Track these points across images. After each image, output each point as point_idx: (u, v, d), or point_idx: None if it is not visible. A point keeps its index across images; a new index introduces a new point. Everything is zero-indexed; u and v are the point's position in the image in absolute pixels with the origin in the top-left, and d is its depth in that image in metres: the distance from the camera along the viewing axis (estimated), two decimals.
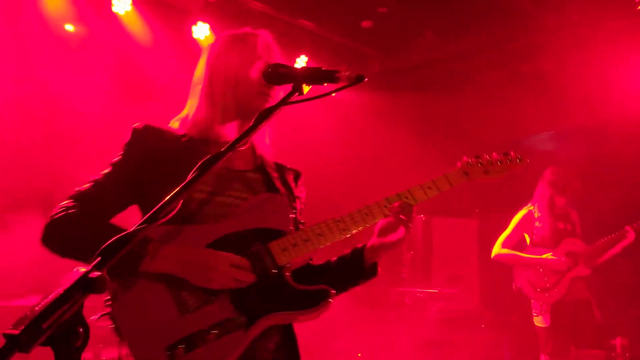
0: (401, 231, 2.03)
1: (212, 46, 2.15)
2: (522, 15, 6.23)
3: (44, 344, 1.02)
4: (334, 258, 2.19)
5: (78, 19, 5.83)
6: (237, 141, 1.50)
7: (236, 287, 1.84)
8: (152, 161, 1.96)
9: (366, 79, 1.71)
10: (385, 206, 2.06)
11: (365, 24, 6.94)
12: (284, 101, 1.67)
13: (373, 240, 2.10)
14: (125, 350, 1.78)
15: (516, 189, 6.80)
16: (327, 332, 5.93)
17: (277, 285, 1.91)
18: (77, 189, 1.96)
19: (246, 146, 2.09)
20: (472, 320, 6.49)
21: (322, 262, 2.19)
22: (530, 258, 5.20)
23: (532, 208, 5.38)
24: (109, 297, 1.82)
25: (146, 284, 1.80)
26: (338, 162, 7.34)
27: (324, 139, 7.42)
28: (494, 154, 2.26)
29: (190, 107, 2.13)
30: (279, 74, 1.87)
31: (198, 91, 2.11)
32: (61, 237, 1.86)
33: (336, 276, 2.12)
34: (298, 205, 2.19)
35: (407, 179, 7.72)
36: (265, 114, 1.60)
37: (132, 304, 1.80)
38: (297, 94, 1.72)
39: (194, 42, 6.60)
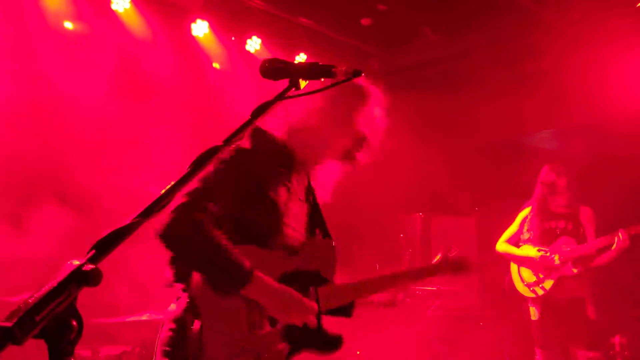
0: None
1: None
2: (522, 13, 6.23)
3: (37, 337, 1.01)
4: None
5: (77, 17, 5.82)
6: (233, 135, 1.49)
7: (299, 324, 2.16)
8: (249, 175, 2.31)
9: (363, 74, 1.70)
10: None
11: (365, 21, 6.94)
12: (281, 96, 1.66)
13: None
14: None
15: (515, 187, 6.81)
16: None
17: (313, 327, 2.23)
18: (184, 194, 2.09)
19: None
20: (471, 318, 6.49)
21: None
22: (520, 254, 5.28)
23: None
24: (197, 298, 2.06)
25: (234, 301, 2.08)
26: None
27: None
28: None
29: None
30: (276, 68, 1.85)
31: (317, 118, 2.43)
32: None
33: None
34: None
35: (407, 177, 7.79)
36: (261, 109, 1.59)
37: (218, 312, 2.06)
38: (293, 89, 1.71)
39: (193, 40, 6.60)
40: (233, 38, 6.89)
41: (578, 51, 6.42)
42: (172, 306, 2.18)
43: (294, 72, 1.75)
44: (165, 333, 2.14)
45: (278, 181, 2.27)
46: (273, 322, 2.16)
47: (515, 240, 5.44)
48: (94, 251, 1.11)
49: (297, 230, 2.33)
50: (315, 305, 2.17)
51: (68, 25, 5.81)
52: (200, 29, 6.51)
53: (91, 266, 1.06)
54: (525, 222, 5.41)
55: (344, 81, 1.71)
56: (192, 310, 2.03)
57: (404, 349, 5.92)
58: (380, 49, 7.51)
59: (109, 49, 5.89)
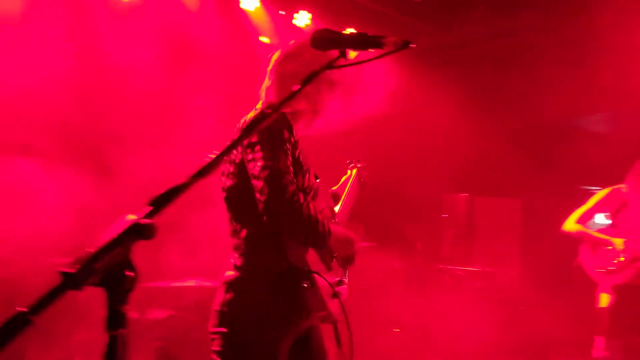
0: None
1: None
2: None
3: (95, 285, 1.08)
4: None
5: None
6: (282, 103, 1.53)
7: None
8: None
9: (413, 45, 1.70)
10: None
11: None
12: (329, 65, 1.68)
13: None
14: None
15: (563, 170, 6.67)
16: (365, 305, 5.98)
17: None
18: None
19: None
20: (512, 301, 6.43)
21: None
22: (603, 238, 4.98)
23: (622, 188, 5.07)
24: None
25: (319, 250, 2.50)
26: (387, 140, 7.31)
27: (370, 116, 7.39)
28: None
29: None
30: (326, 38, 1.86)
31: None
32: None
33: None
34: None
35: (452, 157, 7.70)
36: (310, 77, 1.61)
37: (313, 262, 2.46)
38: (342, 59, 1.72)
39: (242, 13, 6.65)
40: (282, 12, 6.90)
41: (633, 31, 6.17)
42: (229, 272, 2.40)
43: (344, 43, 1.76)
44: (224, 296, 2.37)
45: (296, 144, 2.46)
46: (332, 257, 2.61)
47: (585, 221, 5.14)
48: (150, 206, 1.17)
49: (313, 179, 2.58)
50: (355, 236, 2.64)
51: None
52: (250, 2, 6.55)
53: (147, 220, 1.11)
54: (601, 204, 5.10)
55: (393, 52, 1.70)
56: (294, 272, 2.37)
57: (442, 329, 5.93)
58: (431, 25, 7.39)
59: (160, 19, 5.99)
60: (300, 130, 2.52)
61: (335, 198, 2.88)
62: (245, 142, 2.27)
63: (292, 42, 2.64)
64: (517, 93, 7.23)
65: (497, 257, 6.69)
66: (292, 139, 2.36)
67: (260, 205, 2.24)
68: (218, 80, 6.11)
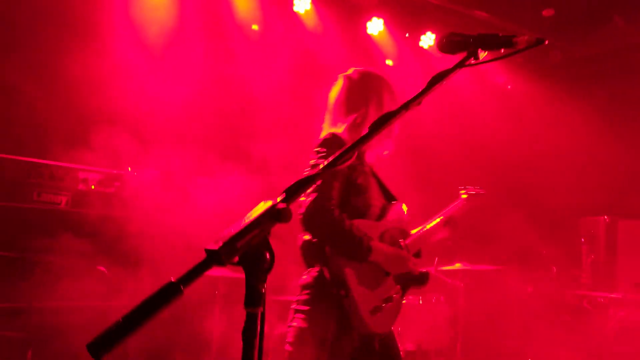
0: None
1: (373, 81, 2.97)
2: None
3: (237, 263, 1.15)
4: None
5: (263, 19, 6.29)
6: (412, 100, 1.54)
7: (406, 272, 2.84)
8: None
9: (547, 42, 1.65)
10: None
11: (547, 12, 6.60)
12: (460, 64, 1.67)
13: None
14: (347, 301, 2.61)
15: None
16: (499, 331, 5.74)
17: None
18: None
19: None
20: None
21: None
22: None
23: None
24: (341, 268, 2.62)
25: (366, 265, 2.68)
26: (518, 156, 7.07)
27: (503, 133, 7.18)
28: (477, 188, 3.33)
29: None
30: (454, 42, 1.86)
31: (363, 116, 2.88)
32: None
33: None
34: None
35: (591, 176, 7.26)
36: (440, 77, 1.61)
37: (357, 274, 2.65)
38: (472, 58, 1.70)
39: (368, 38, 6.78)
40: (407, 34, 6.95)
41: None
42: (304, 276, 2.71)
43: (473, 43, 1.75)
44: (302, 297, 2.66)
45: (358, 169, 2.79)
46: (387, 274, 2.77)
47: None
48: (284, 194, 1.23)
49: (378, 201, 2.85)
50: (408, 255, 2.81)
51: (255, 27, 6.29)
52: (375, 26, 6.67)
53: (283, 205, 1.17)
54: None
55: (525, 49, 1.67)
56: (333, 279, 2.59)
57: None
58: (562, 40, 7.09)
59: (290, 47, 6.28)
60: (374, 155, 2.92)
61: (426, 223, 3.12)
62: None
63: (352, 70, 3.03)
64: None
65: None
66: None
67: (299, 216, 2.57)
68: None
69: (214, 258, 1.09)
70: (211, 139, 5.45)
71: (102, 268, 4.05)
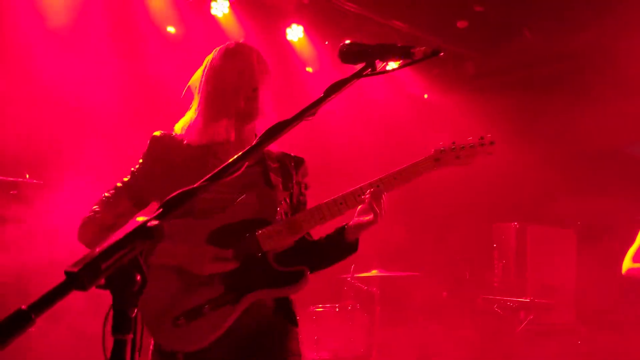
0: (371, 216, 2.29)
1: (213, 61, 2.49)
2: (627, 14, 5.85)
3: (102, 286, 1.05)
4: (323, 236, 2.48)
5: (179, 21, 6.13)
6: (306, 110, 1.49)
7: (220, 271, 2.24)
8: (163, 167, 2.38)
9: (442, 54, 1.65)
10: (359, 195, 2.31)
11: (461, 24, 6.79)
12: (357, 75, 1.64)
13: (353, 220, 2.37)
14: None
15: (620, 200, 6.38)
16: (415, 337, 5.82)
17: (261, 267, 2.29)
18: (104, 193, 2.39)
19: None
20: (566, 335, 6.13)
21: (314, 239, 2.50)
22: None
23: None
24: None
25: (156, 271, 2.24)
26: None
27: (418, 143, 7.31)
28: (470, 138, 2.43)
29: (191, 115, 2.46)
30: (354, 52, 1.84)
31: (199, 100, 2.45)
32: (90, 236, 2.34)
33: (324, 252, 2.46)
34: (297, 190, 2.54)
35: (501, 184, 7.51)
36: (336, 87, 1.58)
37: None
38: (369, 69, 1.68)
39: (288, 44, 6.75)
40: (327, 42, 6.97)
41: None
42: None
43: (372, 54, 1.73)
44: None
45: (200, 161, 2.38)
46: (206, 278, 2.26)
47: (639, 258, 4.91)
48: (161, 209, 1.15)
49: (225, 192, 2.35)
50: (227, 251, 2.26)
51: (170, 29, 6.12)
52: (295, 33, 6.65)
53: (155, 222, 1.09)
54: None
55: (421, 60, 1.66)
56: None
57: None
58: (476, 52, 7.32)
59: (206, 50, 6.14)
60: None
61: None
62: None
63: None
64: (569, 119, 7.02)
65: (551, 288, 6.40)
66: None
67: None
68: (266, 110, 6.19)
69: (74, 281, 1.00)
70: (124, 145, 5.24)
71: None
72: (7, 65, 4.98)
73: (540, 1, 6.10)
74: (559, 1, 6.02)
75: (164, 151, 2.41)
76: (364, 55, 1.77)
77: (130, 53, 5.76)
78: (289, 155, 2.59)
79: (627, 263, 4.87)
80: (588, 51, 6.52)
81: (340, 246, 2.42)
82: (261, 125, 2.46)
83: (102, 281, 1.05)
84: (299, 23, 6.63)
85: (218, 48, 2.54)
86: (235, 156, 1.34)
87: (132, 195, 2.37)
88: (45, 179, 4.23)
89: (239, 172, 1.37)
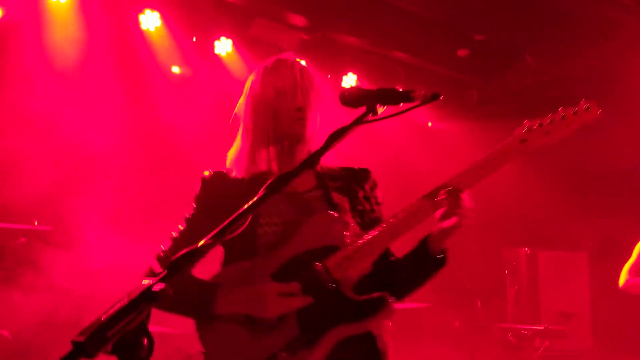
0: (454, 219, 1.98)
1: (250, 80, 2.29)
2: (630, 37, 5.88)
3: (109, 353, 1.05)
4: (401, 255, 2.17)
5: (184, 61, 6.22)
6: (307, 162, 1.50)
7: (290, 310, 1.99)
8: (220, 208, 1.95)
9: (441, 97, 1.66)
10: (434, 197, 2.00)
11: (462, 52, 6.84)
12: (358, 121, 1.65)
13: (435, 227, 2.05)
14: None
15: (631, 219, 6.33)
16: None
17: (336, 299, 2.00)
18: (161, 248, 2.15)
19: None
20: None
21: (396, 258, 2.20)
22: None
23: None
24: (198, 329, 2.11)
25: (222, 323, 2.04)
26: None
27: (424, 171, 7.31)
28: (559, 110, 2.10)
29: (236, 143, 2.28)
30: (355, 97, 1.85)
31: (241, 127, 2.27)
32: None
33: (407, 271, 2.15)
34: (367, 207, 2.25)
35: (512, 209, 7.45)
36: (338, 134, 1.59)
37: (214, 337, 2.07)
38: (370, 114, 1.69)
39: None
40: (329, 76, 7.03)
41: None
42: None
43: (373, 99, 1.75)
44: None
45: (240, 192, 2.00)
46: (275, 320, 2.00)
47: (637, 272, 4.91)
48: (166, 271, 1.15)
49: (287, 223, 2.10)
50: (293, 285, 1.98)
51: (175, 69, 6.21)
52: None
53: (161, 286, 1.09)
54: None
55: (421, 104, 1.67)
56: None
57: None
58: (478, 78, 7.36)
59: (211, 90, 6.22)
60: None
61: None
62: None
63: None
64: (576, 141, 6.98)
65: (566, 314, 6.31)
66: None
67: None
68: None
69: (81, 351, 1.00)
70: (133, 187, 5.28)
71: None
72: (13, 108, 5.05)
73: (541, 26, 6.14)
74: (559, 26, 6.05)
75: (217, 191, 2.19)
76: (365, 100, 1.78)
77: (136, 94, 5.84)
78: (352, 169, 2.33)
79: (624, 276, 4.86)
80: (592, 73, 6.53)
81: (424, 262, 2.09)
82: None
83: (109, 347, 1.05)
84: (301, 58, 6.68)
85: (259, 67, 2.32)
86: (243, 208, 1.32)
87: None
88: (55, 225, 4.24)
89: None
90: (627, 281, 4.88)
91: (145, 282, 1.09)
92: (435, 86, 7.35)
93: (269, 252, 2.07)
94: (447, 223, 1.99)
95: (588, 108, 2.08)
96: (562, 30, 6.07)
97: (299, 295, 1.99)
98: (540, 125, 2.05)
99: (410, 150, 7.54)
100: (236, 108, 2.32)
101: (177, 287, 1.65)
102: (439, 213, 2.00)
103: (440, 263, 2.10)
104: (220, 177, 2.23)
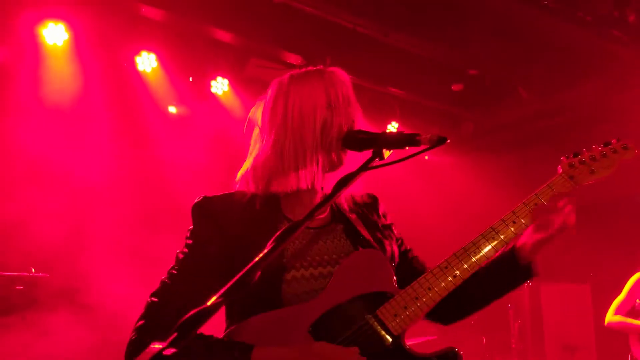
0: (552, 227, 1.83)
1: (284, 85, 1.94)
2: (620, 68, 5.94)
3: None
4: (489, 264, 1.95)
5: (180, 101, 6.24)
6: (317, 209, 1.46)
7: None
8: (224, 239, 1.79)
9: (448, 141, 1.64)
10: (493, 237, 1.86)
11: (456, 87, 6.89)
12: (365, 167, 1.62)
13: (525, 238, 1.90)
14: None
15: (634, 248, 6.29)
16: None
17: (397, 359, 1.75)
18: (150, 297, 1.74)
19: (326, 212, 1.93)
20: None
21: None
22: None
23: None
24: None
25: None
26: (437, 227, 7.17)
27: (423, 205, 7.29)
28: (594, 147, 1.98)
29: (258, 153, 1.94)
30: (359, 140, 1.84)
31: (271, 135, 1.91)
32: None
33: (486, 286, 1.96)
34: (394, 237, 2.05)
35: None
36: (345, 180, 1.56)
37: None
38: (377, 159, 1.67)
39: None
40: None
41: None
42: None
43: (378, 143, 1.72)
44: None
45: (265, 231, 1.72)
46: None
47: (626, 310, 4.95)
48: (175, 334, 1.10)
49: (312, 265, 1.80)
50: (354, 349, 1.67)
51: (172, 109, 6.22)
52: None
53: (172, 350, 1.04)
54: (635, 289, 4.93)
55: (429, 149, 1.64)
56: None
57: None
58: (472, 112, 7.40)
59: (208, 128, 6.24)
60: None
61: None
62: None
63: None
64: None
65: (570, 348, 6.23)
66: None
67: None
68: None
69: None
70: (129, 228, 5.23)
71: None
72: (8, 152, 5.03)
73: (534, 60, 6.20)
74: (552, 59, 6.11)
75: (218, 221, 1.83)
76: (370, 144, 1.75)
77: (133, 134, 5.84)
78: (357, 196, 2.06)
79: (609, 315, 4.93)
80: (585, 105, 6.58)
81: (509, 275, 1.94)
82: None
83: None
84: None
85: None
86: (253, 262, 1.28)
87: (188, 293, 1.71)
88: (52, 273, 4.16)
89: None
90: (610, 321, 4.96)
91: (157, 346, 1.04)
92: (430, 120, 7.39)
93: (302, 300, 1.75)
94: (545, 233, 1.84)
95: (625, 147, 1.99)
96: (556, 63, 6.13)
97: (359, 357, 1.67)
98: (582, 162, 1.95)
99: (407, 183, 7.53)
100: (261, 116, 1.99)
101: (190, 347, 1.38)
102: (532, 227, 1.86)
103: (529, 274, 1.95)
104: (221, 204, 1.87)
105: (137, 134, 5.94)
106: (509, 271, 1.94)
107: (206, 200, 1.88)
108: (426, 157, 8.21)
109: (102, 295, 4.47)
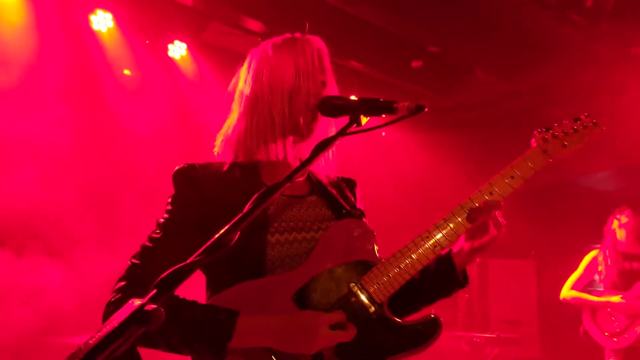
0: (492, 231, 1.83)
1: (258, 54, 1.97)
2: (577, 51, 6.09)
3: None
4: (431, 268, 1.95)
5: (136, 65, 6.05)
6: (294, 173, 1.45)
7: (334, 344, 1.68)
8: (204, 203, 1.79)
9: (427, 109, 1.64)
10: (471, 208, 1.86)
11: (415, 63, 6.92)
12: (342, 132, 1.61)
13: (461, 245, 1.90)
14: None
15: (573, 229, 6.54)
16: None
17: (381, 326, 1.76)
18: (131, 259, 1.71)
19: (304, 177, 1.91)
20: None
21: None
22: (598, 301, 4.95)
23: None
24: None
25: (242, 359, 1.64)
26: (389, 201, 7.25)
27: (374, 178, 7.34)
28: (565, 122, 2.00)
29: (231, 124, 1.95)
30: (335, 105, 1.82)
31: (242, 105, 1.93)
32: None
33: (427, 292, 1.96)
34: (361, 215, 2.05)
35: None
36: (323, 145, 1.55)
37: None
38: (354, 125, 1.66)
39: None
40: None
41: (636, 88, 6.21)
42: None
43: (355, 109, 1.71)
44: None
45: (241, 189, 1.80)
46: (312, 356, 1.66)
47: (582, 286, 5.17)
48: (155, 290, 1.07)
49: (295, 230, 1.81)
50: (340, 314, 1.69)
51: (127, 72, 6.03)
52: None
53: (152, 306, 1.01)
54: (592, 265, 5.15)
55: (406, 116, 1.65)
56: None
57: None
58: (431, 90, 7.46)
59: (164, 92, 6.10)
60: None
61: None
62: None
63: None
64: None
65: (512, 322, 6.46)
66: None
67: None
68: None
69: None
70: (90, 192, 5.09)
71: None
72: None
73: (492, 42, 6.28)
74: (511, 41, 6.20)
75: (201, 189, 1.81)
76: (346, 110, 1.74)
77: (86, 95, 5.66)
78: (339, 177, 2.11)
79: (565, 290, 5.13)
80: (540, 89, 6.74)
81: (447, 282, 1.91)
82: None
83: None
84: None
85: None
86: (232, 222, 1.25)
87: (170, 256, 1.58)
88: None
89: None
90: (566, 295, 5.15)
91: (137, 302, 1.01)
92: (389, 96, 7.40)
93: (285, 264, 1.75)
94: (484, 238, 1.84)
95: (595, 123, 2.01)
96: (514, 45, 6.22)
97: (348, 326, 1.69)
98: (554, 136, 1.96)
99: (363, 159, 7.57)
100: (238, 84, 1.99)
101: (173, 312, 1.51)
102: (470, 229, 1.85)
103: (461, 284, 1.94)
104: (203, 171, 1.87)
105: (92, 95, 5.74)
106: (445, 281, 1.93)
107: (189, 166, 1.88)
108: (383, 134, 8.26)
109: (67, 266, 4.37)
